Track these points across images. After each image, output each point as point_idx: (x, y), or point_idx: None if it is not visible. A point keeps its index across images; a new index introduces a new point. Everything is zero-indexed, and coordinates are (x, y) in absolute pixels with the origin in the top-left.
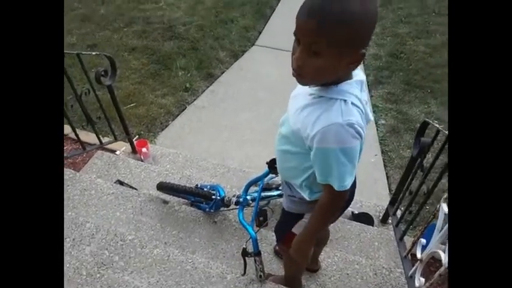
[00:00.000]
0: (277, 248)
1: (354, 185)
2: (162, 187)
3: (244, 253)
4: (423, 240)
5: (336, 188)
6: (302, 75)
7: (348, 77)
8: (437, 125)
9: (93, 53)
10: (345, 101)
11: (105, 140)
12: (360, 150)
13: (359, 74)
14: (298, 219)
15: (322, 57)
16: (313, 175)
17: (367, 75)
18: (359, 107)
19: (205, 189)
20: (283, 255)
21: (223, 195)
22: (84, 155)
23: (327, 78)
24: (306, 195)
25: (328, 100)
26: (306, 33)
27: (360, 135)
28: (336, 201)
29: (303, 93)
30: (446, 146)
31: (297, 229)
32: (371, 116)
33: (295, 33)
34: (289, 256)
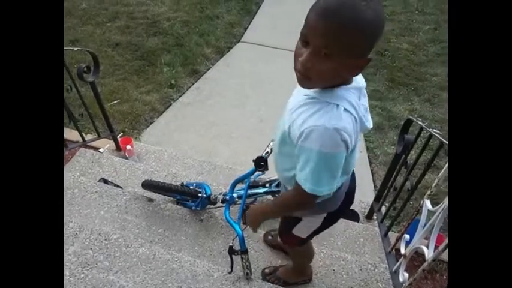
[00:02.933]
0: (269, 238)
1: (350, 188)
2: (148, 185)
3: (231, 251)
4: (407, 236)
5: (307, 189)
6: (309, 77)
7: (346, 82)
8: (421, 123)
9: (75, 49)
10: (337, 105)
11: (88, 137)
12: (348, 161)
13: (358, 80)
14: (298, 222)
15: (331, 61)
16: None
17: None
18: (352, 114)
19: (191, 187)
20: (288, 250)
21: (210, 193)
22: (67, 153)
23: (333, 82)
24: None
25: (321, 103)
26: (320, 35)
27: (346, 142)
28: (301, 202)
29: (297, 94)
30: (430, 143)
31: (297, 231)
32: (370, 124)
33: (304, 34)
34: (294, 250)
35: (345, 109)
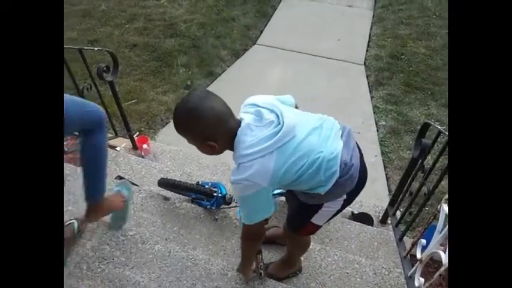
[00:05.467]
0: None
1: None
2: (164, 183)
3: None
4: (423, 241)
5: (246, 222)
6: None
7: (233, 137)
8: (439, 127)
9: (96, 49)
10: (239, 164)
11: None
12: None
13: (245, 116)
14: (318, 210)
15: (199, 148)
16: (304, 188)
17: (368, 76)
18: (255, 157)
19: (206, 186)
20: (290, 240)
21: (225, 192)
22: None
23: (212, 153)
24: (319, 192)
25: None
26: None
27: (256, 183)
28: (248, 232)
29: None
30: (447, 149)
31: (316, 219)
32: (290, 99)
33: None
34: (295, 242)
35: (242, 163)
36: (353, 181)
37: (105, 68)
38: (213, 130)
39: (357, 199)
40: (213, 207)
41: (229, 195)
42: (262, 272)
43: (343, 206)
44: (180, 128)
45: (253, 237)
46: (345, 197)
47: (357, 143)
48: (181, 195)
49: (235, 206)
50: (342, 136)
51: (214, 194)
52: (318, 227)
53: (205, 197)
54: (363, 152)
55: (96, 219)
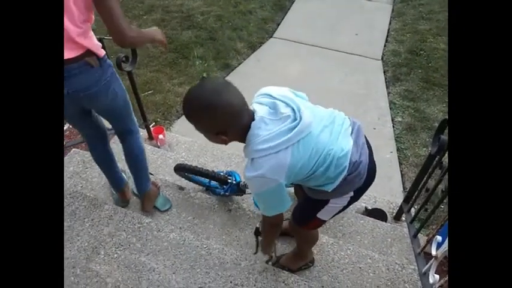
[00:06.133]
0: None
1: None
2: (180, 168)
3: (257, 232)
4: (439, 238)
5: (266, 214)
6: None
7: (246, 131)
8: None
9: None
10: (252, 159)
11: None
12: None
13: (257, 108)
14: (324, 205)
15: (207, 137)
16: (312, 184)
17: (385, 72)
18: (269, 150)
19: (221, 173)
20: (297, 233)
21: (239, 180)
22: None
23: (220, 143)
24: (326, 189)
25: (247, 160)
26: None
27: (268, 179)
28: (265, 222)
29: None
30: None
31: (322, 215)
32: (303, 95)
33: None
34: (303, 235)
35: (254, 159)
36: (361, 178)
37: (124, 59)
38: (227, 124)
39: (371, 195)
40: (227, 193)
41: (244, 182)
42: (274, 255)
43: (350, 203)
44: (191, 118)
45: (270, 226)
46: (352, 193)
47: (366, 139)
48: (195, 185)
49: (249, 194)
50: (352, 132)
51: (229, 181)
52: (323, 221)
53: (220, 184)
54: (378, 148)
55: (151, 207)
